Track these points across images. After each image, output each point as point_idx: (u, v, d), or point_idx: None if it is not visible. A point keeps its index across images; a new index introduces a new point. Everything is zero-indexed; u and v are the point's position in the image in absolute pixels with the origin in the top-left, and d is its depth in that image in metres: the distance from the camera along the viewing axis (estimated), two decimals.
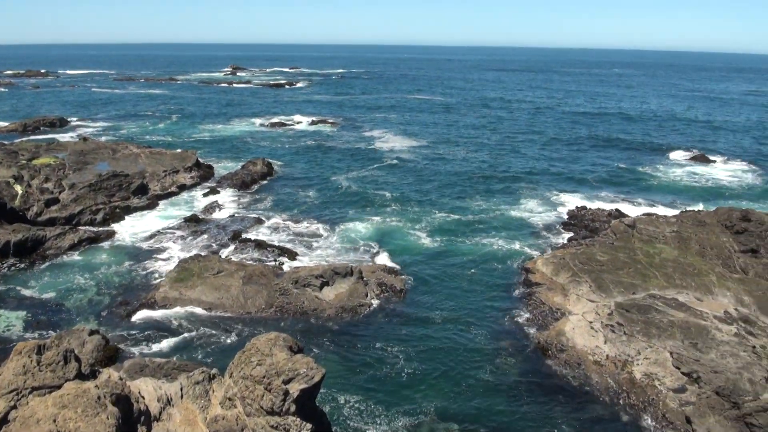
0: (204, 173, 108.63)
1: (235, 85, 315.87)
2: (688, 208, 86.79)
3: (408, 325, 56.62)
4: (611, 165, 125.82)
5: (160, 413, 32.01)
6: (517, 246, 77.39)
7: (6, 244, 69.65)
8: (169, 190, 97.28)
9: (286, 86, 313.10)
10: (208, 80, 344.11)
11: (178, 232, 79.56)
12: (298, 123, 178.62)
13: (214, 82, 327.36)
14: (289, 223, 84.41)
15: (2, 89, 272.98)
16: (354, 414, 43.09)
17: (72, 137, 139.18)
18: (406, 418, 42.72)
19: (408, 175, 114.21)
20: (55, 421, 26.84)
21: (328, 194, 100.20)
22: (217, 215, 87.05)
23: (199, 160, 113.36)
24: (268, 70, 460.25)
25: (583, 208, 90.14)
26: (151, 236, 78.53)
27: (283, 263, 69.54)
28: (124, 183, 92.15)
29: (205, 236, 78.19)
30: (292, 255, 72.41)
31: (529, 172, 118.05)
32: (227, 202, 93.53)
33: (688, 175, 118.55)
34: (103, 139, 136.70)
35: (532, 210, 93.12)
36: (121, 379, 31.95)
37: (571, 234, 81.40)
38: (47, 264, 69.32)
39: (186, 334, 54.09)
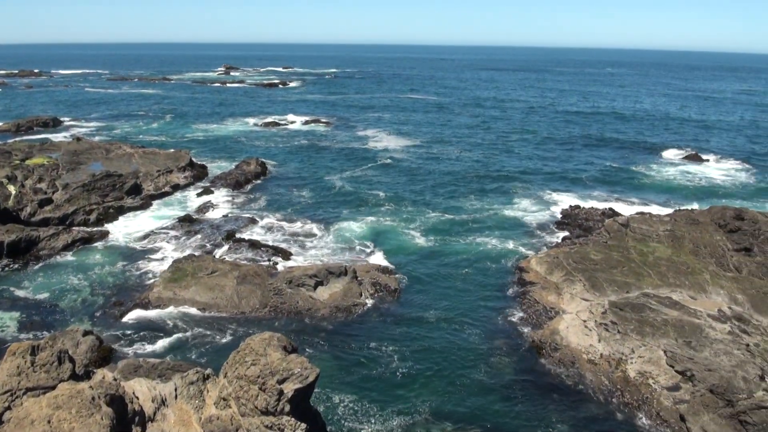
0: (198, 173, 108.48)
1: (228, 84, 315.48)
2: (682, 207, 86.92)
3: (402, 325, 56.64)
4: (605, 164, 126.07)
5: (154, 414, 31.96)
6: (511, 245, 77.50)
7: None
8: (163, 190, 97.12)
9: (280, 86, 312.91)
10: (202, 80, 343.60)
11: (172, 232, 79.47)
12: (292, 123, 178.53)
13: (208, 82, 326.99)
14: (283, 222, 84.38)
15: None
16: (348, 413, 43.09)
17: (65, 137, 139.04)
18: (401, 417, 42.74)
19: (402, 175, 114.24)
20: (49, 422, 26.79)
21: (322, 194, 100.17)
22: (211, 215, 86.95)
23: (193, 159, 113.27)
24: (261, 70, 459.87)
25: (577, 207, 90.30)
26: (145, 236, 78.42)
27: (277, 263, 69.51)
28: (118, 183, 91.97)
29: (199, 236, 78.11)
30: (286, 255, 72.39)
31: (523, 172, 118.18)
32: (221, 202, 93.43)
33: (682, 174, 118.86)
34: (97, 139, 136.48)
35: (525, 209, 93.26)
36: (115, 379, 31.90)
37: (565, 233, 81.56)
38: (41, 264, 69.17)
39: (180, 335, 54.02)
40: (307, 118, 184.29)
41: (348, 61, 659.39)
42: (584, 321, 53.13)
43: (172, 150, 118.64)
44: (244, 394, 31.68)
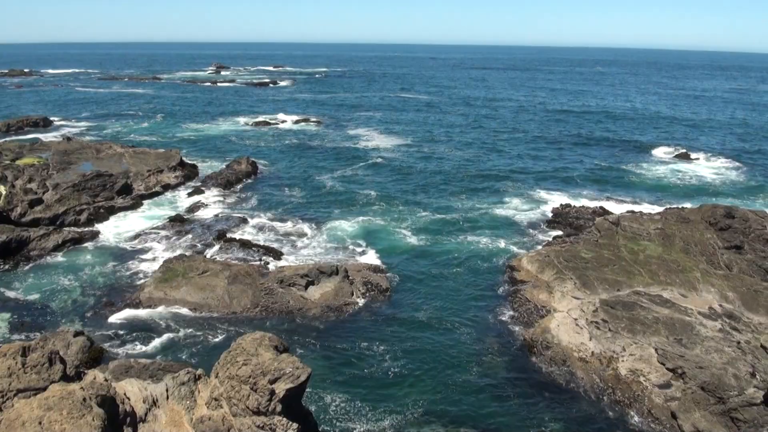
0: (188, 173, 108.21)
1: (219, 83, 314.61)
2: (672, 206, 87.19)
3: (394, 324, 56.66)
4: (595, 163, 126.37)
5: (145, 414, 31.89)
6: (502, 244, 77.63)
7: None
8: (154, 190, 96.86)
9: (270, 85, 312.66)
10: (192, 79, 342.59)
11: (163, 232, 79.29)
12: (283, 122, 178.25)
13: (198, 81, 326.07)
14: (274, 222, 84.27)
15: None
16: (340, 413, 43.09)
17: (56, 137, 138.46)
18: (392, 417, 42.77)
19: (393, 174, 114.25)
20: (40, 423, 26.69)
21: (313, 193, 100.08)
22: (202, 215, 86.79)
23: (184, 159, 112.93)
24: (251, 69, 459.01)
25: (568, 205, 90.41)
26: (136, 236, 78.23)
27: (268, 263, 69.44)
28: (108, 183, 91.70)
29: (190, 236, 77.95)
30: (278, 254, 72.31)
31: (514, 171, 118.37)
32: (212, 202, 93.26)
33: (672, 172, 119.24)
34: (87, 138, 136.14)
35: (516, 208, 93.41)
36: (106, 380, 31.80)
37: (556, 232, 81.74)
38: (31, 265, 68.90)
39: (171, 335, 53.90)
40: (297, 118, 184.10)
41: (338, 60, 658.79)
42: (575, 319, 53.25)
43: (163, 150, 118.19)
44: (235, 395, 31.64)
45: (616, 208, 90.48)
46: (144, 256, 72.04)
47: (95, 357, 47.97)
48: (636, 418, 42.93)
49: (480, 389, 46.62)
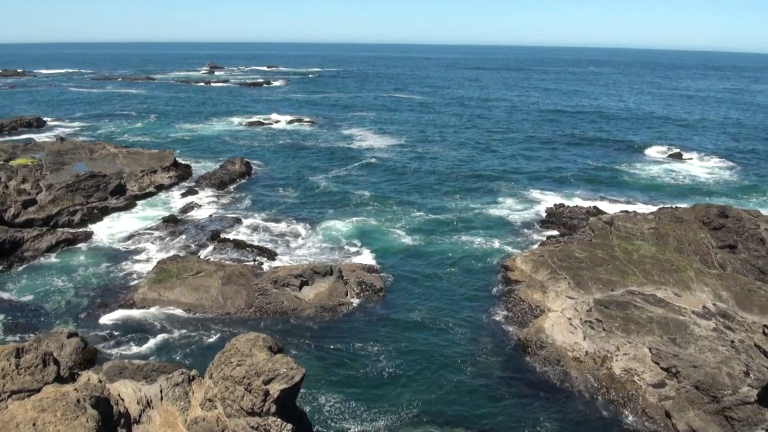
0: (182, 173, 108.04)
1: (212, 84, 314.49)
2: (666, 205, 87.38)
3: (388, 324, 56.67)
4: (589, 163, 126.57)
5: (139, 415, 31.84)
6: (496, 244, 77.70)
7: None
8: (147, 191, 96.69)
9: (264, 85, 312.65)
10: (186, 79, 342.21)
11: (156, 233, 79.15)
12: (276, 122, 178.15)
13: (192, 81, 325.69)
14: (268, 222, 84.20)
15: None
16: (334, 414, 43.08)
17: (49, 137, 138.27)
18: (387, 417, 42.77)
19: (387, 174, 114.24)
20: (34, 424, 26.63)
21: (307, 193, 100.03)
22: (196, 215, 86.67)
23: (177, 159, 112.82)
24: (245, 69, 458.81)
25: (561, 205, 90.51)
26: (129, 237, 78.09)
27: (262, 263, 69.37)
28: (102, 183, 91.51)
29: (184, 237, 77.82)
30: (272, 255, 72.24)
31: (507, 171, 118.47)
32: (205, 202, 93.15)
33: (666, 172, 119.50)
34: (81, 139, 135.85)
35: (510, 208, 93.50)
36: (100, 381, 31.75)
37: (550, 231, 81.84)
38: (25, 266, 68.78)
39: (165, 336, 53.83)
40: (291, 118, 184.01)
41: (332, 60, 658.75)
42: (569, 319, 53.31)
43: (156, 150, 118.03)
44: (229, 395, 31.60)
45: (610, 207, 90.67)
46: (138, 257, 71.92)
47: (89, 358, 47.88)
48: (630, 418, 43.02)
49: (474, 389, 46.65)
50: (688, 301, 55.16)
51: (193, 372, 35.54)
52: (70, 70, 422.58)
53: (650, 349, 47.54)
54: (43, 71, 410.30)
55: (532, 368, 49.33)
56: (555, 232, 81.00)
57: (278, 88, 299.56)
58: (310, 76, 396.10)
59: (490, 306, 60.37)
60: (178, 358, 49.99)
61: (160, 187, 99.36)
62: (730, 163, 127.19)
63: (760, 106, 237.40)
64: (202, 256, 70.40)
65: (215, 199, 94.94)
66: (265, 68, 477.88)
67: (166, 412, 32.61)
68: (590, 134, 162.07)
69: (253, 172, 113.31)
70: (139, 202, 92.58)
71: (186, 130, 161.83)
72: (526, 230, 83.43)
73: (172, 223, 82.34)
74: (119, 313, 57.43)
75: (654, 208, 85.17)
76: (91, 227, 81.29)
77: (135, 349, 51.57)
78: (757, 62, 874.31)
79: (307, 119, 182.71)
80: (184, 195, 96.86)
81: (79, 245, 75.17)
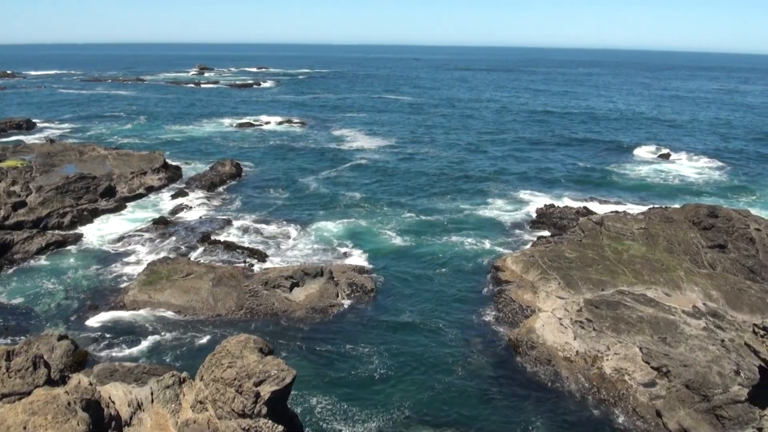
0: (172, 174, 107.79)
1: (202, 85, 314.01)
2: (656, 205, 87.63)
3: (379, 326, 56.68)
4: (578, 163, 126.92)
5: (130, 418, 31.77)
6: (486, 245, 77.81)
7: None
8: (137, 192, 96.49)
9: (254, 86, 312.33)
10: (176, 80, 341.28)
11: (147, 235, 78.97)
12: (267, 123, 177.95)
13: (182, 83, 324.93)
14: (258, 224, 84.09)
15: None
16: (326, 415, 43.06)
17: (39, 139, 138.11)
18: (378, 418, 42.78)
19: (377, 175, 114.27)
20: (25, 428, 26.53)
21: (298, 195, 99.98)
22: (186, 217, 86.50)
23: (167, 161, 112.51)
24: (235, 70, 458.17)
25: (552, 206, 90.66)
26: (119, 239, 77.89)
27: (252, 265, 69.30)
28: (92, 185, 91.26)
29: (174, 238, 77.68)
30: (262, 256, 72.17)
31: (497, 172, 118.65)
32: (196, 204, 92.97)
33: (655, 172, 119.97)
34: (70, 140, 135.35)
35: (500, 209, 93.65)
36: (91, 384, 31.65)
37: (540, 232, 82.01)
38: (15, 268, 68.49)
39: (156, 338, 53.71)
40: (281, 119, 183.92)
41: (321, 62, 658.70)
42: (560, 319, 53.42)
43: (146, 151, 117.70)
44: (220, 397, 31.57)
45: (600, 208, 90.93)
46: (128, 259, 71.71)
47: (79, 361, 47.72)
48: (621, 417, 43.15)
49: (465, 390, 46.71)
50: (678, 301, 55.35)
51: (184, 374, 35.49)
52: (60, 72, 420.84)
53: (641, 348, 47.68)
54: (32, 73, 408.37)
55: (523, 368, 49.42)
56: (545, 233, 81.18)
57: (268, 89, 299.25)
58: (300, 77, 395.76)
59: (480, 306, 60.46)
60: (168, 360, 49.89)
61: (150, 189, 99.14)
62: (720, 163, 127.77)
63: (749, 107, 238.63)
64: (192, 258, 70.26)
65: (205, 201, 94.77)
66: (254, 69, 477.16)
67: (157, 414, 32.55)
68: (580, 135, 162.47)
69: (243, 173, 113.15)
70: (129, 204, 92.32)
71: (176, 132, 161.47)
72: (516, 231, 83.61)
73: (162, 224, 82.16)
74: (109, 316, 57.27)
75: (644, 208, 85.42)
76: (81, 229, 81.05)
77: (126, 351, 51.43)
78: (747, 63, 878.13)
79: (297, 120, 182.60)
80: (174, 197, 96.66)
81: (69, 247, 74.94)
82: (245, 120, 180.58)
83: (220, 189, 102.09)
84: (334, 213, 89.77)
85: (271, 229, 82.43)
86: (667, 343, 48.19)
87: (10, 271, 67.88)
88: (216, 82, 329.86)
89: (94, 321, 56.40)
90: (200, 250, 73.72)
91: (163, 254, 71.66)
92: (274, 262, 70.85)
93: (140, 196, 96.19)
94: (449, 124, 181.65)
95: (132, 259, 71.80)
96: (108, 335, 53.91)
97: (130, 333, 54.40)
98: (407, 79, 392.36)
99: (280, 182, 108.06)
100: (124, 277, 66.38)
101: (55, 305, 59.77)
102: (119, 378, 39.37)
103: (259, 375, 31.44)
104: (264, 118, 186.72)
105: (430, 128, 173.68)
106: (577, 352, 49.46)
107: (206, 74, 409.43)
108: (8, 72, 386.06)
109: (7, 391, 29.48)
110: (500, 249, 76.12)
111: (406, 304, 61.29)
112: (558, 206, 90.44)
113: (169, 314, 57.86)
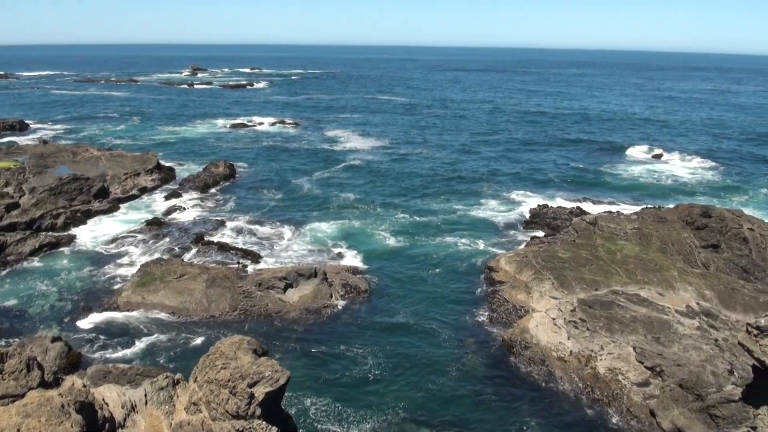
0: (165, 175, 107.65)
1: (195, 86, 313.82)
2: (649, 205, 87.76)
3: (373, 326, 56.67)
4: (571, 164, 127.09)
5: (124, 420, 31.71)
6: (480, 245, 77.85)
7: None
8: (131, 193, 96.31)
9: (247, 87, 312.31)
10: (169, 81, 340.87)
11: (140, 236, 78.82)
12: (260, 124, 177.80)
13: (175, 83, 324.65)
14: (252, 225, 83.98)
15: None
16: (320, 416, 43.03)
17: (32, 140, 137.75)
18: (373, 419, 42.78)
19: (371, 176, 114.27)
20: (19, 430, 26.48)
21: (292, 196, 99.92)
22: (179, 218, 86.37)
23: (160, 162, 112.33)
24: (228, 71, 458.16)
25: (545, 206, 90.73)
26: (113, 240, 77.72)
27: (246, 266, 69.22)
28: (85, 186, 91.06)
29: (167, 239, 77.56)
30: (256, 257, 72.10)
31: (491, 172, 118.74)
32: (189, 205, 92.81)
33: (648, 172, 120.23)
34: (63, 141, 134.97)
35: (494, 209, 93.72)
36: (84, 386, 31.60)
37: (534, 232, 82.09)
38: (8, 270, 68.29)
39: (149, 339, 53.61)
40: (274, 120, 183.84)
41: (315, 62, 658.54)
42: (553, 319, 53.49)
43: (139, 152, 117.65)
44: (214, 399, 31.54)
45: (593, 208, 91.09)
46: (121, 260, 71.58)
47: (73, 362, 47.68)
48: (615, 417, 43.23)
49: (459, 390, 46.73)
50: (671, 301, 55.47)
51: (178, 376, 35.44)
52: (53, 73, 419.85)
53: (634, 348, 47.79)
54: (25, 73, 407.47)
55: (517, 368, 49.49)
56: (539, 233, 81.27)
57: (261, 90, 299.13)
58: (293, 78, 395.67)
59: (474, 307, 60.52)
60: (162, 361, 49.81)
61: (144, 190, 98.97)
62: (713, 163, 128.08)
63: (741, 107, 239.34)
64: (186, 259, 70.15)
65: (199, 202, 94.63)
66: (248, 70, 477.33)
67: (151, 416, 32.50)
68: (573, 135, 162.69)
69: (236, 174, 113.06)
70: (123, 205, 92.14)
71: (169, 133, 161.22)
72: (509, 231, 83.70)
73: (156, 226, 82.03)
74: (103, 317, 57.16)
75: (637, 208, 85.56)
76: (75, 230, 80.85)
77: (119, 353, 51.35)
78: (739, 64, 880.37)
79: (291, 121, 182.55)
80: (167, 198, 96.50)
81: (62, 249, 74.76)
82: (238, 121, 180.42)
83: (214, 190, 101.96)
84: (327, 214, 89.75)
85: (264, 230, 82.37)
86: (661, 342, 48.29)
87: (4, 272, 67.69)
88: (209, 83, 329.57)
89: (87, 322, 56.28)
90: (194, 251, 73.60)
91: (156, 255, 71.55)
92: (267, 263, 70.81)
93: (133, 197, 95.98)
94: (442, 125, 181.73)
95: (125, 260, 71.66)
96: (102, 337, 53.81)
97: (123, 334, 54.31)
98: (401, 79, 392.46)
99: (274, 183, 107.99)
100: (118, 279, 66.26)
101: (48, 307, 59.63)
102: (113, 380, 39.35)
103: (253, 376, 31.43)
104: (257, 118, 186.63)
105: (424, 129, 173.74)
106: (570, 352, 49.54)
107: (199, 75, 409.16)
108: (1, 73, 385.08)
109: (0, 394, 29.41)
110: (494, 249, 76.19)
111: (399, 304, 61.30)
112: (551, 206, 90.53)
113: (163, 315, 57.77)
